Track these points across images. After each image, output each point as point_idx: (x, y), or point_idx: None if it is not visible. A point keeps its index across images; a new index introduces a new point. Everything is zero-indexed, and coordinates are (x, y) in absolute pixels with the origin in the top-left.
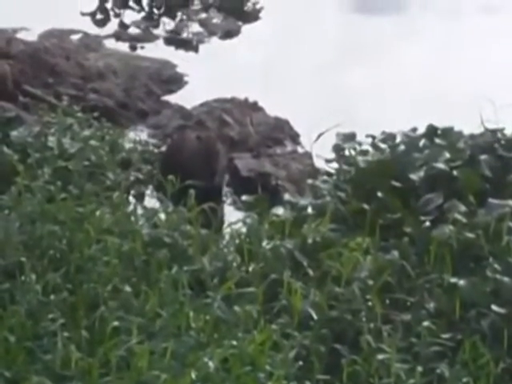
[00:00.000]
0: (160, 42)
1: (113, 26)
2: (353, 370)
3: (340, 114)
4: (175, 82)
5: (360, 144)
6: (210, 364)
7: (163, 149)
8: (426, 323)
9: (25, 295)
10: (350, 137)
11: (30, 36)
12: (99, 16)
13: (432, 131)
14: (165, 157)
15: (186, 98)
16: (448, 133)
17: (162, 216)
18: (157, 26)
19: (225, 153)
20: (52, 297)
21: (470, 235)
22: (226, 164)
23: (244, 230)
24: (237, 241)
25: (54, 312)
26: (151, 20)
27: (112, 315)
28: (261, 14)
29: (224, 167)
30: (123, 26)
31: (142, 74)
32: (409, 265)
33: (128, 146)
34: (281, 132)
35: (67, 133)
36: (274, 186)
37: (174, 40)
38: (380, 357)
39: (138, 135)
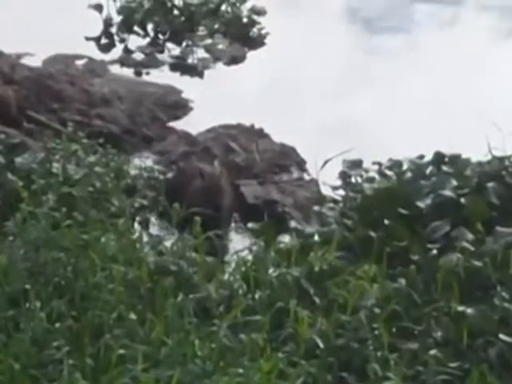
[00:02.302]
0: (165, 67)
1: (118, 51)
2: None
3: (346, 140)
4: (180, 107)
5: (367, 171)
6: None
7: (169, 175)
8: (433, 352)
9: (29, 322)
10: (357, 164)
11: (35, 61)
12: (104, 41)
13: (439, 158)
14: (169, 187)
15: (192, 124)
16: (455, 160)
17: (168, 243)
18: (162, 51)
19: (229, 188)
20: (57, 324)
21: (478, 263)
22: (231, 198)
23: (250, 257)
24: (243, 268)
25: (59, 339)
26: (156, 45)
27: (117, 343)
28: (266, 40)
29: (228, 203)
30: (128, 51)
31: (147, 99)
32: (416, 293)
33: (133, 172)
34: (287, 159)
35: (72, 159)
36: (281, 213)
37: (180, 65)
38: None
39: (143, 161)
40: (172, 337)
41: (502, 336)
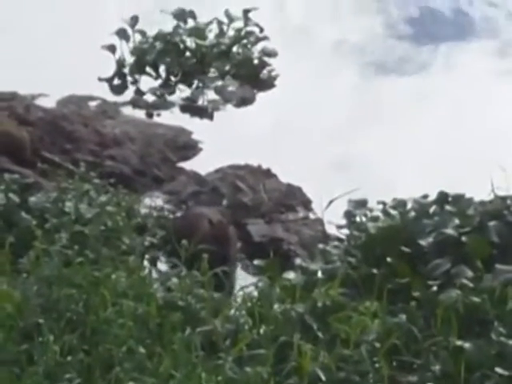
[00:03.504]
0: (176, 109)
1: (130, 92)
2: None
3: (352, 180)
4: (190, 148)
5: (371, 210)
6: None
7: (178, 214)
8: None
9: (42, 356)
10: (362, 203)
11: (49, 102)
12: (117, 82)
13: (443, 198)
14: (179, 226)
15: (201, 165)
16: (459, 199)
17: (176, 280)
18: (173, 92)
19: (235, 236)
20: (69, 357)
21: (476, 299)
22: (237, 247)
23: (256, 293)
24: (249, 304)
25: (71, 372)
26: (168, 87)
27: (127, 376)
28: (276, 82)
29: (235, 250)
30: (140, 92)
31: (157, 140)
32: (416, 328)
33: (143, 211)
34: (293, 198)
35: (84, 198)
36: (286, 250)
37: (190, 107)
38: None
39: (153, 201)
40: (180, 370)
41: (498, 370)
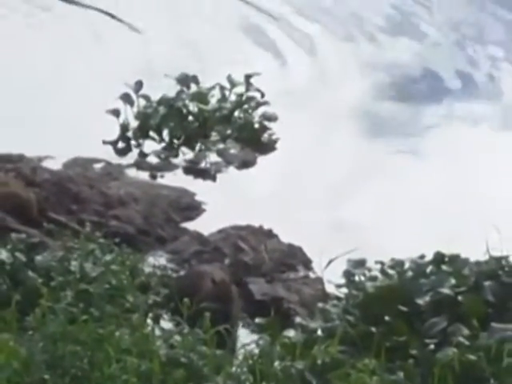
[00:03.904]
0: (179, 171)
1: (134, 155)
2: None
3: (350, 240)
4: (193, 209)
5: (370, 270)
6: None
7: (181, 273)
8: None
9: None
10: (361, 263)
11: (55, 164)
12: (121, 145)
13: (439, 258)
14: (181, 285)
15: (204, 225)
16: (454, 260)
17: (179, 337)
18: (176, 155)
19: (237, 295)
20: None
21: (473, 357)
22: (240, 306)
23: (257, 351)
24: (250, 361)
25: None
26: (171, 150)
27: None
28: (277, 145)
29: (238, 309)
30: (143, 155)
31: (161, 201)
32: None
33: (147, 270)
34: (294, 258)
35: (89, 257)
36: (286, 309)
37: (193, 169)
38: None
39: (156, 260)
40: None
41: None
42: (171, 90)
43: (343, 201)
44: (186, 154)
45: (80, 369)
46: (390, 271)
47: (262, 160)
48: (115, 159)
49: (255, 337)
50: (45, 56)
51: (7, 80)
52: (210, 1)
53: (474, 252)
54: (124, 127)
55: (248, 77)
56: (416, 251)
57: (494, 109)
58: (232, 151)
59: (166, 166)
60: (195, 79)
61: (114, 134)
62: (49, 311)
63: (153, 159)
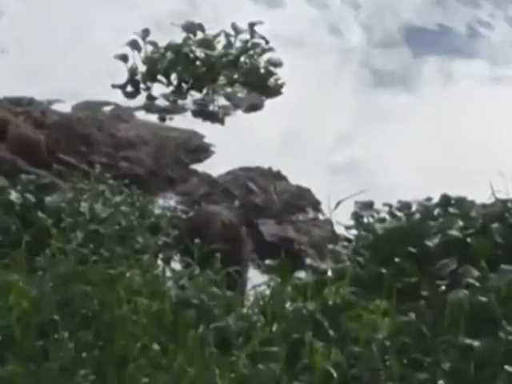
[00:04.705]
0: (188, 113)
1: (142, 98)
2: None
3: (358, 182)
4: (202, 151)
5: (377, 212)
6: None
7: (191, 214)
8: (441, 382)
9: (58, 352)
10: (368, 205)
11: (65, 108)
12: (129, 89)
13: (446, 201)
14: (191, 226)
15: (213, 167)
16: (461, 202)
17: (189, 278)
18: (185, 98)
19: (247, 238)
20: (84, 354)
21: (483, 299)
22: (249, 248)
23: (268, 292)
24: (261, 302)
25: (86, 368)
26: (179, 93)
27: (141, 372)
28: (283, 90)
29: (247, 252)
30: (152, 98)
31: (170, 143)
32: (425, 326)
33: (157, 211)
34: (303, 200)
35: (99, 199)
36: (297, 250)
37: (201, 112)
38: None
39: (166, 201)
40: (193, 366)
41: (508, 367)
42: (178, 38)
43: (349, 143)
44: (194, 97)
45: (90, 309)
46: (398, 213)
47: (268, 103)
48: (124, 102)
49: (266, 278)
50: (55, 4)
51: (19, 27)
52: None
53: (478, 195)
54: (132, 71)
55: (252, 25)
56: (422, 194)
57: (494, 62)
58: (239, 95)
59: (174, 108)
60: (201, 27)
61: (123, 78)
62: (59, 252)
63: (161, 102)
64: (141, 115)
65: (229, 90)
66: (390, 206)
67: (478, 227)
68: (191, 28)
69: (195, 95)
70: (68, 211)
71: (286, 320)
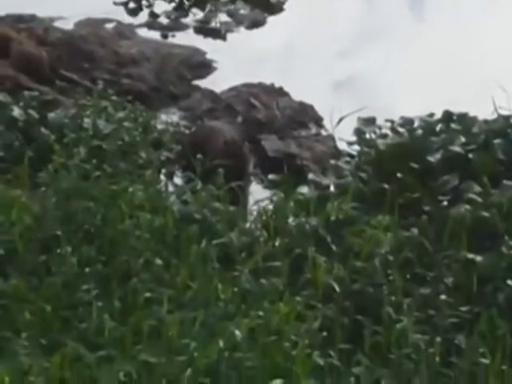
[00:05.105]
0: (190, 30)
1: (144, 15)
2: (374, 340)
3: (360, 98)
4: (205, 67)
5: (380, 128)
6: (238, 333)
7: (194, 130)
8: (444, 296)
9: (61, 267)
10: (370, 121)
11: (67, 24)
12: (132, 5)
13: (448, 116)
14: (194, 141)
15: (215, 83)
16: (463, 118)
17: (192, 193)
18: (186, 15)
19: (250, 153)
20: (87, 269)
21: (485, 214)
22: (251, 163)
23: (270, 207)
24: (263, 217)
25: (89, 283)
26: (181, 10)
27: (144, 287)
28: (285, 6)
29: (250, 167)
30: (154, 15)
31: (173, 60)
32: (427, 241)
33: (160, 127)
34: (305, 115)
35: (102, 115)
36: (299, 166)
37: (203, 29)
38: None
39: (169, 117)
40: (196, 281)
41: (509, 282)
42: None
43: (352, 59)
44: (196, 15)
45: (93, 224)
46: (400, 129)
47: (271, 20)
48: (127, 19)
49: (268, 193)
50: None
51: None
52: None
53: (480, 111)
54: None
55: None
56: (424, 110)
57: None
58: (242, 11)
59: (176, 25)
60: None
61: None
62: (61, 168)
63: (164, 19)
64: (143, 32)
65: (231, 6)
66: (393, 121)
67: (480, 143)
68: None
69: (197, 12)
70: (71, 127)
71: (288, 235)
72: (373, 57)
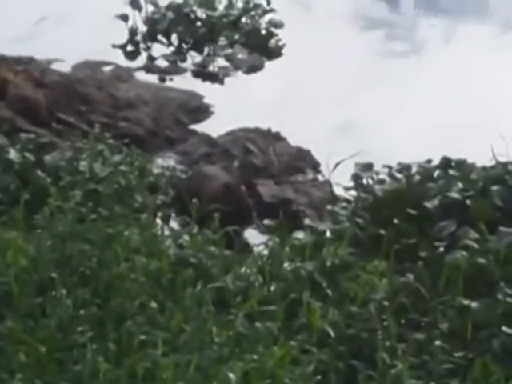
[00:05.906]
0: (188, 74)
1: (142, 58)
2: None
3: (357, 143)
4: (202, 112)
5: (377, 173)
6: (232, 377)
7: (190, 174)
8: (438, 342)
9: (56, 309)
10: (368, 167)
11: (65, 67)
12: (130, 49)
13: (446, 163)
14: (190, 186)
15: (212, 128)
16: (461, 165)
17: (188, 237)
18: (185, 59)
19: (247, 198)
20: (82, 311)
21: (482, 260)
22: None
23: (266, 252)
24: (259, 262)
25: (84, 325)
26: (180, 53)
27: (139, 329)
28: (283, 51)
29: (246, 212)
30: (152, 58)
31: (170, 104)
32: (423, 287)
33: (156, 171)
34: (302, 161)
35: (98, 158)
36: (295, 211)
37: (201, 73)
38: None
39: (165, 161)
40: (191, 324)
41: (504, 328)
42: None
43: (349, 105)
44: (194, 58)
45: (88, 267)
46: (398, 175)
47: (269, 65)
48: (124, 63)
49: (264, 238)
50: None
51: None
52: None
53: (478, 158)
54: (133, 31)
55: None
56: (421, 156)
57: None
58: (240, 56)
59: (174, 69)
60: None
61: (123, 38)
62: (57, 210)
63: (162, 63)
64: (141, 75)
65: (229, 50)
66: (390, 167)
67: (477, 189)
68: None
69: (195, 56)
70: (67, 170)
71: (284, 280)
72: (370, 102)
